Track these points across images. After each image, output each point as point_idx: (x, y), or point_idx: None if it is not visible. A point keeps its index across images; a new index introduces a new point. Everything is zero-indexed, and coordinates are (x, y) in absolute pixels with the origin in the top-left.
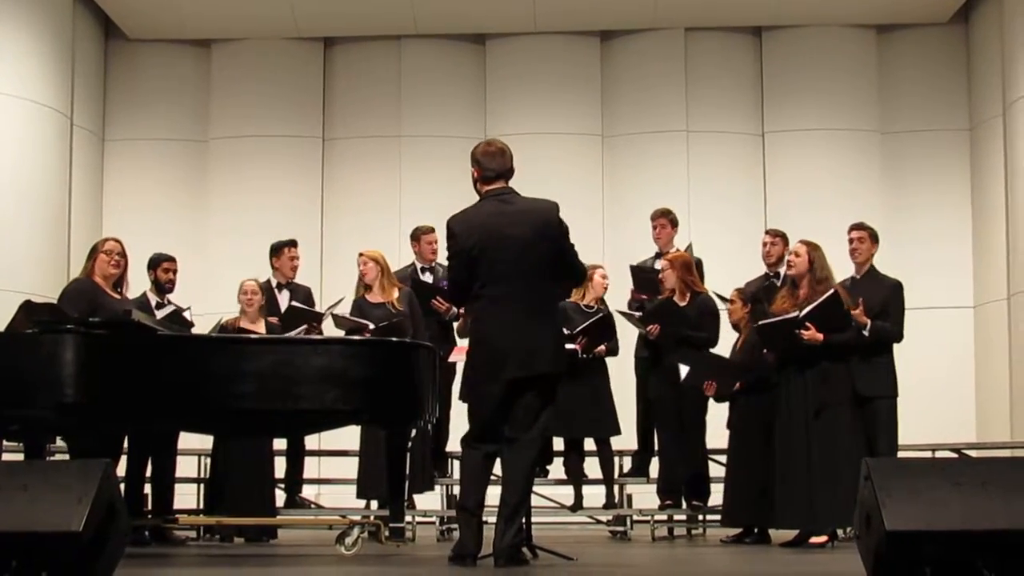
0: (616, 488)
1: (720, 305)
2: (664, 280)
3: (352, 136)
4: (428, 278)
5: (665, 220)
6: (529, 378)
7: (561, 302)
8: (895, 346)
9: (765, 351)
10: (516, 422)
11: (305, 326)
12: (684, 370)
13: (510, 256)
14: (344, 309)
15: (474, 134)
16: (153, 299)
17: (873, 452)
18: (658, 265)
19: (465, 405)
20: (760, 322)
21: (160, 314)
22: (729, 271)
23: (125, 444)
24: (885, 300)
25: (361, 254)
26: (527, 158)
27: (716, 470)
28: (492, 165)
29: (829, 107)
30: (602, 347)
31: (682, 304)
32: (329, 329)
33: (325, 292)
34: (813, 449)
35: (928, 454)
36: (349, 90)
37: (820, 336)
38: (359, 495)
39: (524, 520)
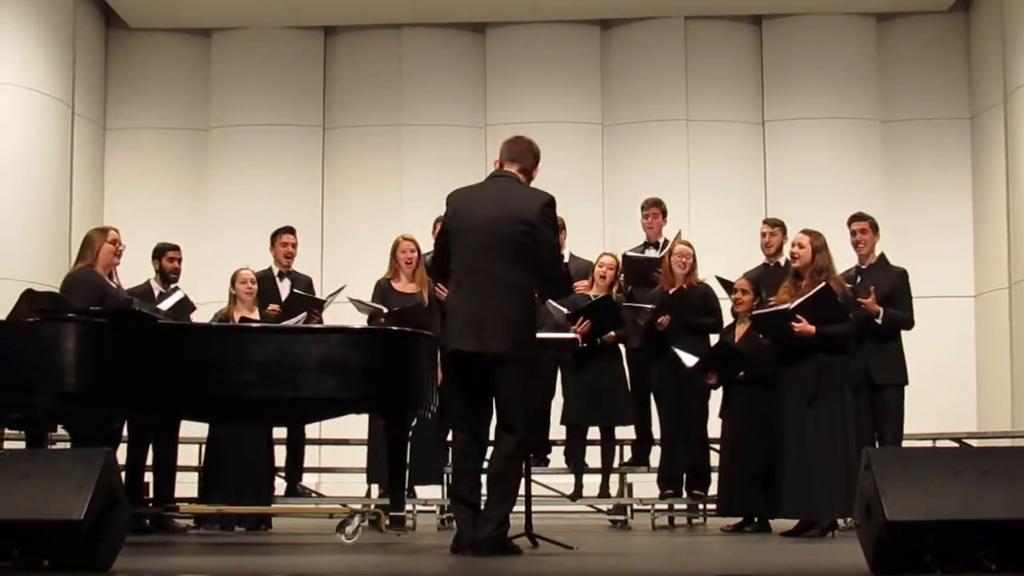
0: (616, 477)
1: (721, 293)
2: (681, 266)
3: (352, 125)
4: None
5: (656, 210)
6: (481, 356)
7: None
8: (904, 333)
9: (761, 337)
10: (498, 408)
11: (305, 314)
12: (689, 358)
13: (478, 234)
14: (349, 293)
15: (474, 123)
16: (157, 288)
17: (880, 440)
18: (649, 253)
19: None
20: (755, 312)
21: (165, 305)
22: (728, 260)
23: (125, 432)
24: (893, 288)
25: (405, 238)
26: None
27: (717, 460)
28: (506, 149)
29: (829, 96)
30: (612, 334)
31: (671, 291)
32: (329, 317)
33: (325, 281)
34: (810, 438)
35: (929, 443)
36: (349, 79)
37: (812, 328)
38: (369, 479)
39: (525, 509)
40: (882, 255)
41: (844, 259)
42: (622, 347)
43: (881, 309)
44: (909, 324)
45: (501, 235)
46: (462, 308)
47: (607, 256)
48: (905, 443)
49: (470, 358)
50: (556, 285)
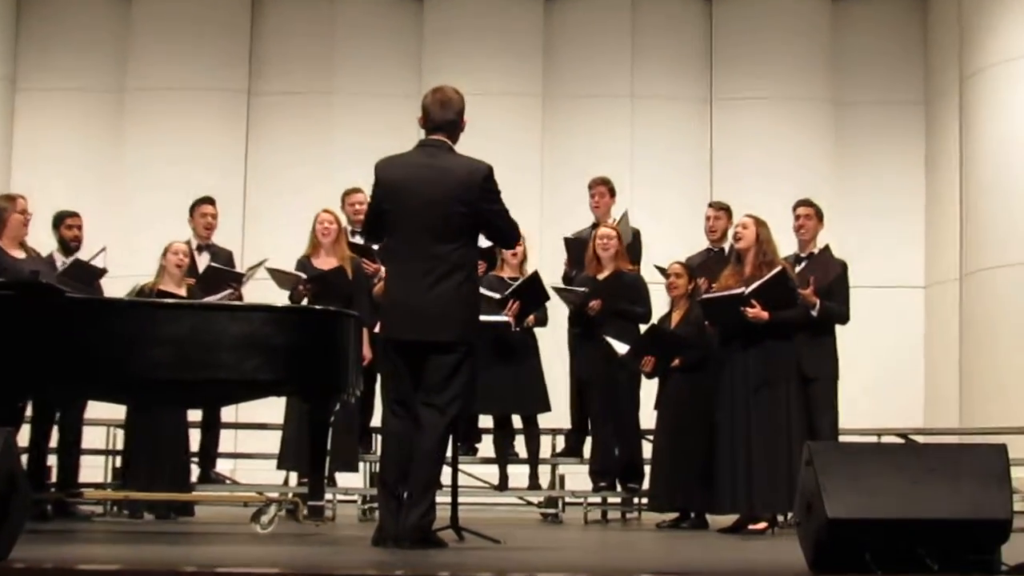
0: (549, 469)
1: (659, 278)
2: (604, 249)
3: (280, 91)
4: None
5: (604, 188)
6: (423, 344)
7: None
8: (839, 327)
9: (707, 324)
10: (424, 391)
11: (228, 290)
12: (620, 346)
13: (415, 214)
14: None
15: (410, 92)
16: (60, 259)
17: (814, 435)
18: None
19: None
20: (704, 296)
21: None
22: (671, 243)
23: (29, 412)
24: (832, 281)
25: (325, 211)
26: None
27: (651, 451)
28: (431, 115)
29: (781, 74)
30: (530, 317)
31: (600, 277)
32: (249, 294)
33: (247, 255)
34: (753, 429)
35: (874, 439)
36: (278, 41)
37: (765, 314)
38: (279, 465)
39: (451, 500)
40: (827, 247)
41: (788, 245)
42: (563, 331)
43: (818, 301)
44: (844, 319)
45: (441, 216)
46: (402, 293)
47: None
48: (849, 438)
49: (414, 347)
50: (510, 247)
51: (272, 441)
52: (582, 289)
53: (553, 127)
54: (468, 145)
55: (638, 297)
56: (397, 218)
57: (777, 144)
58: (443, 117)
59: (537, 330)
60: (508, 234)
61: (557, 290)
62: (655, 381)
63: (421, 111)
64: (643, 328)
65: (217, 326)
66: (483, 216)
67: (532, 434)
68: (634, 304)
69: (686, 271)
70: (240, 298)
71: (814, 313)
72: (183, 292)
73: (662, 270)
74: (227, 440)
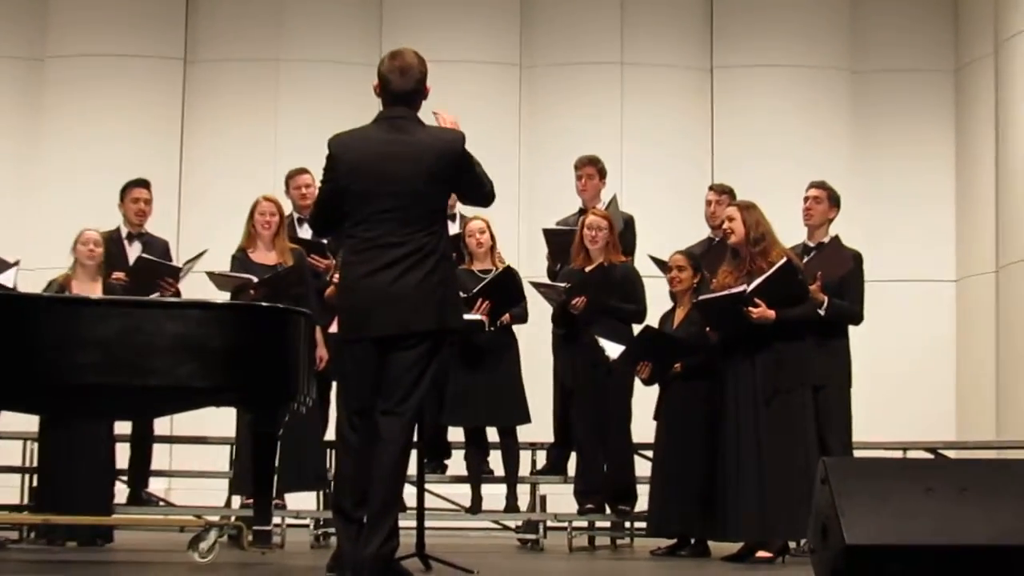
0: (528, 489)
1: (654, 271)
2: (592, 241)
3: (221, 59)
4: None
5: (592, 169)
6: (402, 337)
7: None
8: (852, 328)
9: (708, 329)
10: (385, 396)
11: (160, 284)
12: (614, 348)
13: (390, 196)
14: (212, 265)
15: (367, 60)
16: None
17: (824, 451)
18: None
19: None
20: (701, 298)
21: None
22: (667, 232)
23: None
24: (844, 275)
25: (266, 199)
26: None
27: (644, 468)
28: (391, 85)
29: (791, 40)
30: (506, 316)
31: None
32: (187, 289)
33: (183, 245)
34: (764, 444)
35: (898, 454)
36: (219, 4)
37: (771, 313)
38: (233, 490)
39: (416, 525)
40: (835, 237)
41: (798, 234)
42: (546, 333)
43: (826, 298)
44: (857, 319)
45: (415, 198)
46: (379, 283)
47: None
48: (870, 453)
49: (390, 342)
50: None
51: (212, 457)
52: (563, 285)
53: (531, 99)
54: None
55: (631, 292)
56: (361, 203)
57: (786, 118)
58: (404, 86)
59: (516, 330)
60: (487, 192)
61: (536, 286)
62: (651, 390)
63: (377, 79)
64: (636, 328)
65: (149, 325)
66: (462, 189)
67: (510, 449)
68: (626, 301)
69: (689, 263)
70: (176, 295)
71: (822, 312)
72: (98, 288)
73: (660, 262)
74: (161, 456)
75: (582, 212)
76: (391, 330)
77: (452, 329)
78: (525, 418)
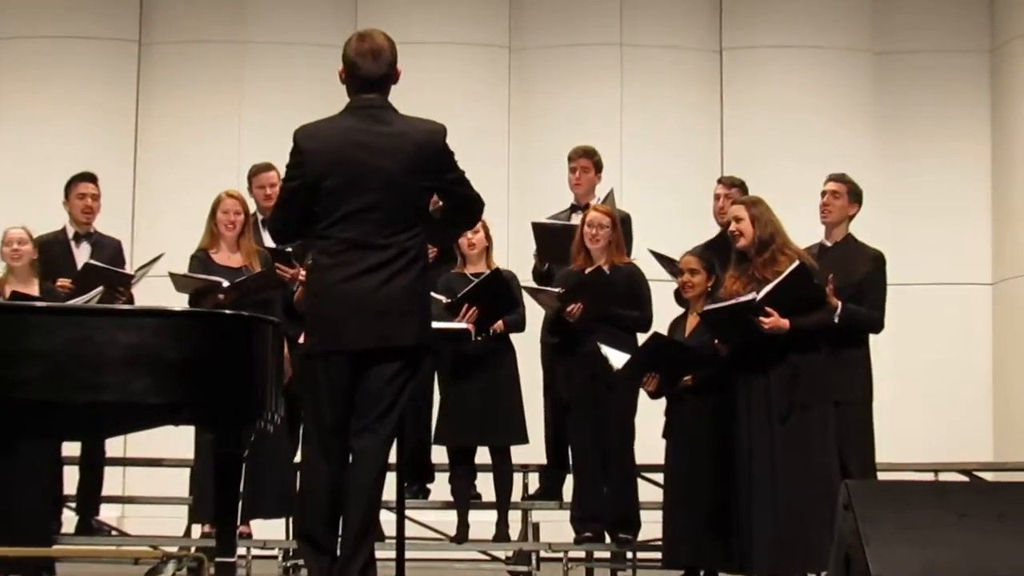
0: (520, 515)
1: (661, 275)
2: (594, 240)
3: (180, 40)
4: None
5: (587, 161)
6: (381, 352)
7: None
8: (873, 337)
9: (716, 342)
10: (360, 413)
11: (101, 290)
12: (618, 357)
13: (369, 193)
14: (170, 267)
15: (341, 42)
16: None
17: (844, 471)
18: (575, 219)
19: None
20: (705, 308)
21: None
22: (670, 231)
23: None
24: (862, 277)
25: (229, 195)
26: (409, 74)
27: (648, 493)
28: (362, 69)
29: (807, 18)
30: (499, 323)
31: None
32: (142, 296)
33: (138, 245)
34: (779, 466)
35: (929, 476)
36: None
37: (785, 323)
38: (193, 518)
39: (396, 556)
40: (849, 235)
41: (815, 232)
42: (535, 343)
43: (840, 304)
44: (877, 326)
45: (399, 194)
46: (356, 291)
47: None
48: (897, 475)
49: (367, 356)
50: (474, 223)
51: (169, 482)
52: (556, 289)
53: (521, 86)
54: (414, 110)
55: (635, 298)
56: (336, 200)
57: (804, 106)
58: (377, 70)
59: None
60: (475, 205)
61: (530, 291)
62: (654, 405)
63: (344, 64)
64: (641, 338)
65: (99, 336)
66: (444, 188)
67: (502, 471)
68: (629, 307)
69: (702, 265)
70: (130, 302)
71: (835, 319)
72: (33, 290)
73: (665, 259)
74: (113, 480)
75: (574, 209)
76: (371, 343)
77: (429, 345)
78: (522, 437)
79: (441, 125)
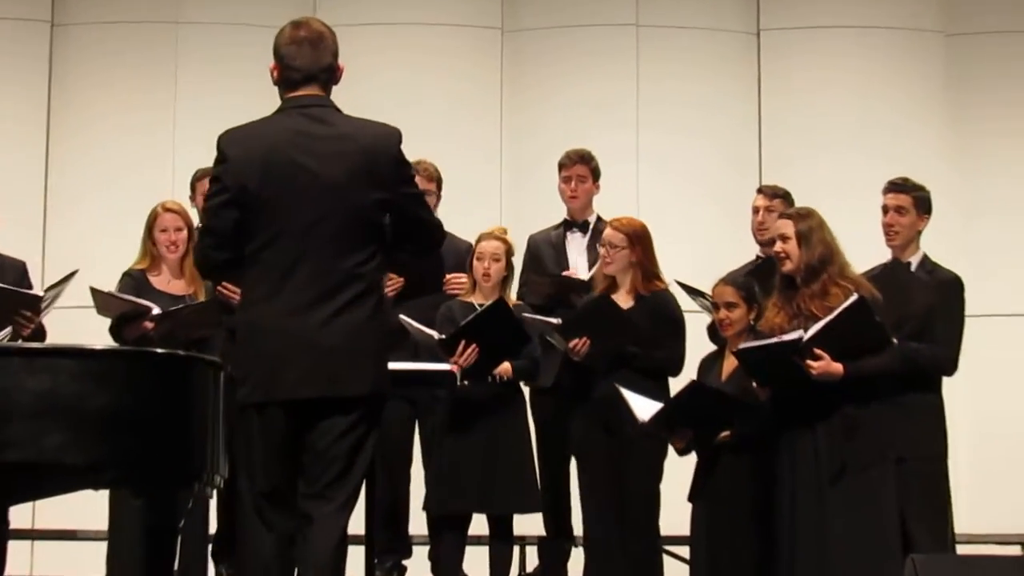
0: None
1: (691, 305)
2: (605, 263)
3: (99, 21)
4: None
5: (584, 169)
6: (330, 402)
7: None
8: (946, 380)
9: (754, 385)
10: (310, 477)
11: (16, 320)
12: (645, 406)
13: (309, 207)
14: (86, 289)
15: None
16: None
17: (908, 544)
18: (570, 239)
19: None
20: (741, 346)
21: None
22: (697, 250)
23: None
24: (932, 308)
25: (167, 208)
26: (383, 61)
27: (674, 570)
28: (297, 60)
29: None
30: (505, 365)
31: (625, 306)
32: (53, 328)
33: (49, 266)
34: (831, 537)
35: (1015, 550)
36: None
37: (838, 367)
38: None
39: None
40: (924, 254)
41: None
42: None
43: (895, 341)
44: (948, 367)
45: (346, 208)
46: (295, 330)
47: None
48: (974, 549)
49: (310, 407)
50: (429, 254)
51: (87, 557)
52: (556, 320)
53: (516, 74)
54: (389, 103)
55: (664, 333)
56: (270, 216)
57: (859, 97)
58: (317, 63)
59: None
60: (432, 230)
61: (528, 319)
62: (683, 461)
63: (276, 58)
64: (672, 382)
65: (3, 380)
66: (397, 205)
67: (501, 545)
68: (654, 345)
69: (741, 297)
70: (42, 332)
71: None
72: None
73: (693, 291)
74: (19, 556)
75: (568, 226)
76: (315, 391)
77: (384, 394)
78: (533, 504)
79: (395, 128)
